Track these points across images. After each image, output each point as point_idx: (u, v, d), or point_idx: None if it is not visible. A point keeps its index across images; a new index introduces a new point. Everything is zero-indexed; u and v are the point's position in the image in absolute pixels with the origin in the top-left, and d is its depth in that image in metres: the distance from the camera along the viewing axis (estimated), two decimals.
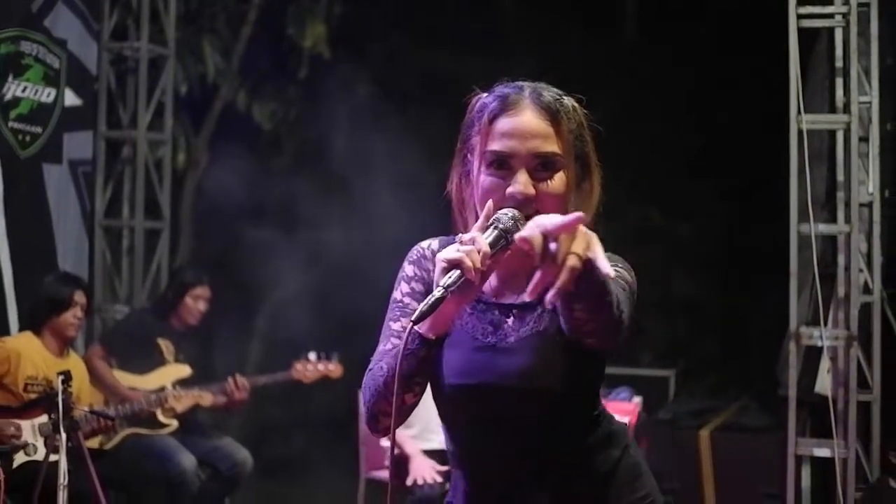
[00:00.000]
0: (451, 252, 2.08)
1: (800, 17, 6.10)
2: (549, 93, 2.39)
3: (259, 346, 9.47)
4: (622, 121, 8.55)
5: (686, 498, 6.96)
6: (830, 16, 6.16)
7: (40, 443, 5.34)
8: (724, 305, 9.76)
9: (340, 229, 8.44)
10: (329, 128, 8.96)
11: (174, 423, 6.31)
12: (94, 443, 5.80)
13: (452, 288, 2.05)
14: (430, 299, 2.07)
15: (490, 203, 2.24)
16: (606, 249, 2.45)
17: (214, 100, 8.98)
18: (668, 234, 9.82)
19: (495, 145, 2.33)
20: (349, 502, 6.70)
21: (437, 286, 2.06)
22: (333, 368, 6.57)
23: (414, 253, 2.52)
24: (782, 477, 6.19)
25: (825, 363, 6.28)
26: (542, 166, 2.32)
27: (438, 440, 6.09)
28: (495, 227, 2.18)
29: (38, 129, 6.69)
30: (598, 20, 9.87)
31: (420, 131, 7.70)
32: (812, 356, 6.42)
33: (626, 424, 2.60)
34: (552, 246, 1.92)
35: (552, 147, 2.33)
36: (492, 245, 2.11)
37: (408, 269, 2.50)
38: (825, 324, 6.09)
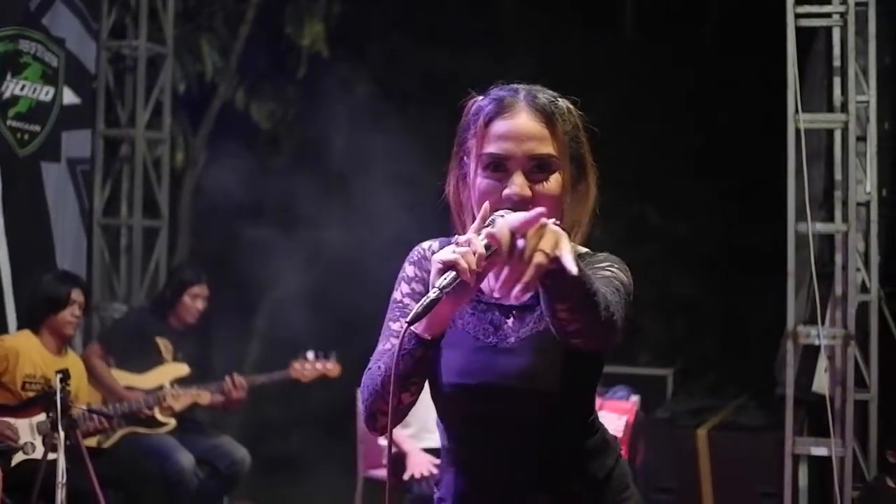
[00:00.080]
0: (447, 254, 2.09)
1: (798, 16, 6.10)
2: (545, 95, 2.40)
3: (257, 345, 9.47)
4: (621, 120, 8.57)
5: (684, 497, 6.97)
6: (828, 15, 6.16)
7: (38, 441, 5.34)
8: (723, 304, 9.77)
9: (339, 228, 8.45)
10: (328, 127, 8.97)
11: (172, 422, 6.31)
12: (92, 441, 5.80)
13: (447, 289, 2.06)
14: (424, 300, 2.08)
15: (486, 205, 2.25)
16: (605, 249, 2.47)
17: (213, 99, 8.98)
18: (666, 233, 9.83)
19: (491, 148, 2.34)
20: (347, 501, 6.71)
21: (433, 287, 2.07)
22: (331, 367, 6.57)
23: (415, 254, 2.53)
24: (780, 476, 6.19)
25: (822, 362, 6.29)
26: (537, 168, 2.34)
27: (435, 439, 6.06)
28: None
29: (37, 128, 6.69)
30: (597, 20, 9.88)
31: (419, 131, 7.70)
32: (810, 355, 6.43)
33: (616, 437, 2.62)
34: (519, 243, 1.94)
35: (547, 149, 2.34)
36: (487, 247, 2.13)
37: (408, 269, 2.51)
38: (822, 323, 6.10)
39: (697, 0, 9.45)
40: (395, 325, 2.44)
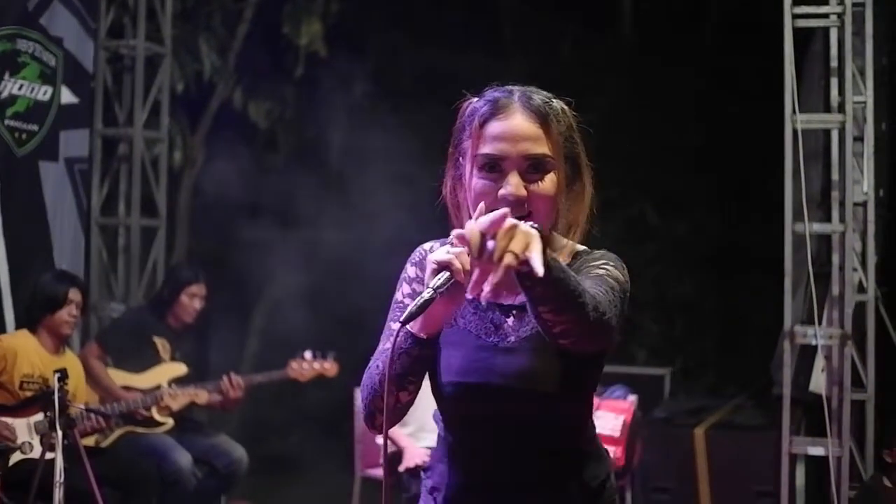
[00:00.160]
0: (442, 254, 2.11)
1: (795, 16, 6.11)
2: (539, 96, 2.42)
3: (255, 345, 9.48)
4: (619, 120, 8.59)
5: (681, 496, 6.97)
6: (825, 16, 6.17)
7: (36, 441, 5.35)
8: (720, 304, 9.78)
9: (336, 228, 8.45)
10: (325, 126, 8.98)
11: (170, 422, 6.31)
12: (90, 441, 5.81)
13: (441, 289, 2.07)
14: (418, 300, 2.09)
15: (482, 205, 2.26)
16: (603, 247, 2.48)
17: (211, 98, 8.99)
18: (664, 233, 9.84)
19: (486, 148, 2.36)
20: (344, 500, 6.72)
21: (427, 287, 2.08)
22: (329, 367, 6.58)
23: (416, 254, 2.55)
24: (777, 475, 6.20)
25: (820, 362, 6.30)
26: (532, 168, 2.35)
27: (433, 439, 6.10)
28: None
29: (35, 127, 6.69)
30: (595, 19, 9.89)
31: (417, 130, 7.70)
32: (807, 355, 6.44)
33: (608, 451, 2.64)
34: (489, 244, 1.95)
35: (542, 149, 2.36)
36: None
37: (410, 270, 2.53)
38: (820, 323, 6.11)
39: (696, 0, 9.46)
40: (395, 325, 2.45)
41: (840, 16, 6.09)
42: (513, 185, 2.32)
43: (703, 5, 9.51)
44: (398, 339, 2.31)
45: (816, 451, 6.14)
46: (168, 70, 7.86)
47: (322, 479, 7.77)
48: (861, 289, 6.36)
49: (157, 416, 6.25)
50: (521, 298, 2.36)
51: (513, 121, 2.36)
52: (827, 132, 6.38)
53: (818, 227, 6.20)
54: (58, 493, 4.71)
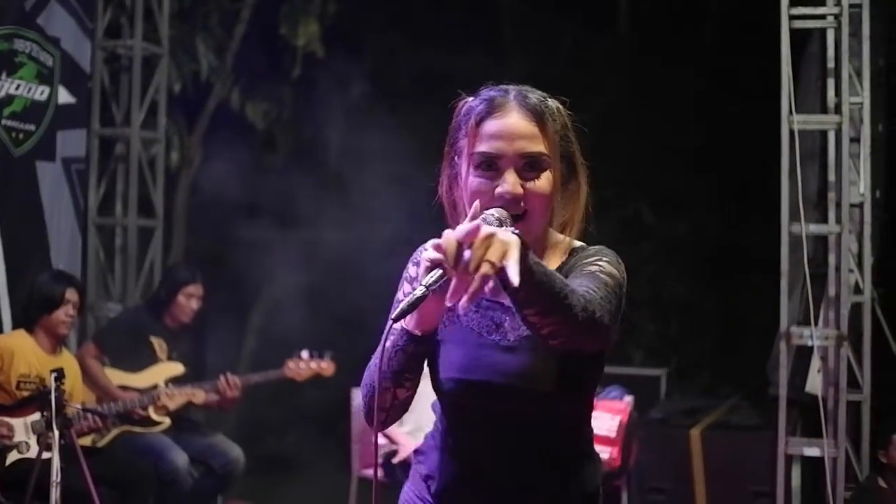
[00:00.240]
0: (434, 252, 2.11)
1: (792, 17, 6.12)
2: (535, 95, 2.43)
3: (252, 345, 9.48)
4: (616, 120, 8.59)
5: (677, 497, 6.98)
6: (822, 17, 6.18)
7: (33, 440, 5.34)
8: (717, 305, 9.79)
9: (333, 228, 8.46)
10: (323, 126, 8.98)
11: (167, 421, 6.31)
12: (86, 440, 5.81)
13: (434, 287, 2.07)
14: (410, 297, 2.08)
15: (477, 203, 2.26)
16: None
17: (208, 98, 8.99)
18: (661, 233, 9.85)
19: (483, 147, 2.37)
20: (341, 500, 6.72)
21: (420, 285, 2.09)
22: (326, 366, 6.58)
23: (417, 254, 2.56)
24: (772, 476, 6.21)
25: (816, 363, 6.31)
26: (528, 166, 2.36)
27: None
28: None
29: (32, 127, 6.69)
30: (593, 19, 9.89)
31: (414, 130, 7.70)
32: (803, 356, 6.45)
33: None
34: (466, 254, 1.95)
35: (538, 147, 2.37)
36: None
37: (411, 269, 2.54)
38: (816, 323, 6.12)
39: (691, 0, 9.46)
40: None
41: (837, 17, 6.10)
42: (509, 182, 2.33)
43: (702, 5, 9.52)
44: (394, 336, 2.33)
45: (812, 451, 6.15)
46: (165, 70, 7.86)
47: (319, 478, 7.77)
48: (857, 290, 6.38)
49: (153, 416, 6.25)
50: None
51: (509, 119, 2.37)
52: (823, 133, 6.39)
53: (815, 228, 6.21)
54: (54, 493, 4.71)
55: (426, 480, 2.56)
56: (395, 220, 7.13)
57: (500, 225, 2.25)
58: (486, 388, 2.41)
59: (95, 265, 7.69)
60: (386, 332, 2.22)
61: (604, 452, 6.03)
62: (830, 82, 6.29)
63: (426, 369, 2.48)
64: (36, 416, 5.28)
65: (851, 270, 6.27)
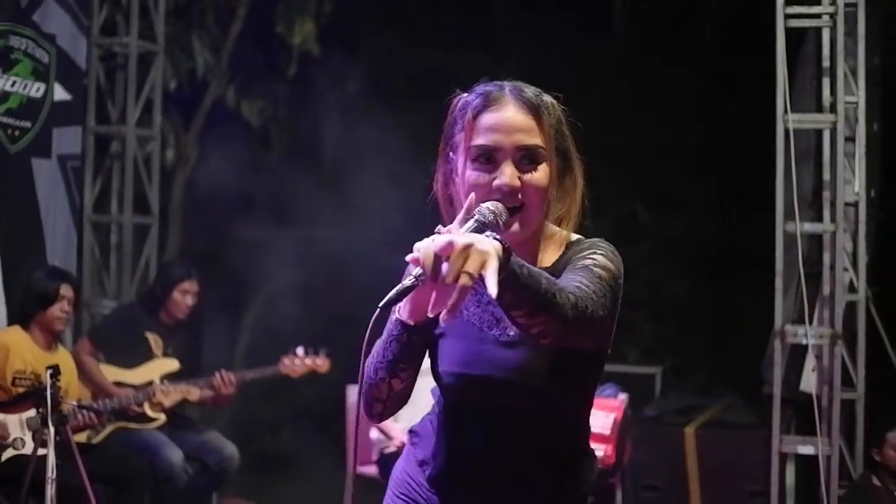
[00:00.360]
0: (426, 242, 2.12)
1: (787, 16, 6.13)
2: (530, 89, 2.44)
3: (247, 341, 9.48)
4: (613, 120, 8.59)
5: (671, 495, 6.98)
6: (818, 16, 6.19)
7: (28, 437, 5.35)
8: (712, 303, 9.80)
9: (329, 225, 8.46)
10: (318, 124, 8.98)
11: (162, 418, 6.31)
12: (82, 437, 5.81)
13: (423, 277, 2.07)
14: (399, 287, 2.09)
15: (472, 196, 2.28)
16: None
17: (204, 96, 8.99)
18: (656, 232, 9.85)
19: (480, 140, 2.37)
20: (336, 497, 6.72)
21: (409, 275, 2.09)
22: (321, 363, 6.58)
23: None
24: (767, 474, 6.22)
25: (810, 361, 6.32)
26: (526, 159, 2.37)
27: None
28: (475, 220, 2.22)
29: (28, 124, 6.69)
30: (589, 19, 9.90)
31: (410, 128, 7.71)
32: (797, 354, 6.46)
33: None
34: (443, 267, 1.95)
35: (535, 140, 2.38)
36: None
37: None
38: (810, 322, 6.12)
39: (690, 0, 9.47)
40: (395, 317, 2.47)
41: (832, 16, 6.11)
42: (507, 175, 2.34)
43: (699, 5, 9.52)
44: (390, 326, 2.35)
45: (806, 449, 6.16)
46: (161, 68, 7.86)
47: (314, 475, 7.78)
48: (852, 288, 6.39)
49: (149, 413, 6.25)
50: None
51: (506, 112, 2.38)
52: (819, 132, 6.40)
53: (809, 227, 6.22)
54: (50, 490, 4.71)
55: (421, 465, 2.57)
56: (391, 218, 7.12)
57: (495, 217, 2.26)
58: (485, 383, 2.42)
59: (91, 262, 7.69)
60: (371, 319, 2.19)
61: (598, 450, 5.99)
62: (826, 81, 6.30)
63: (425, 366, 2.49)
64: (31, 412, 5.28)
65: (846, 269, 6.29)
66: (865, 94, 6.34)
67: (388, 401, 2.45)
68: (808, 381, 6.32)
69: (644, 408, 7.53)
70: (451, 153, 2.47)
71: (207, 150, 8.94)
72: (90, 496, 5.03)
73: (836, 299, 6.15)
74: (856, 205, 6.38)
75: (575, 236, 2.49)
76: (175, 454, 6.18)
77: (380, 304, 2.13)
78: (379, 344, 2.43)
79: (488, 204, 2.29)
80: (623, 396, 6.57)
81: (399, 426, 6.10)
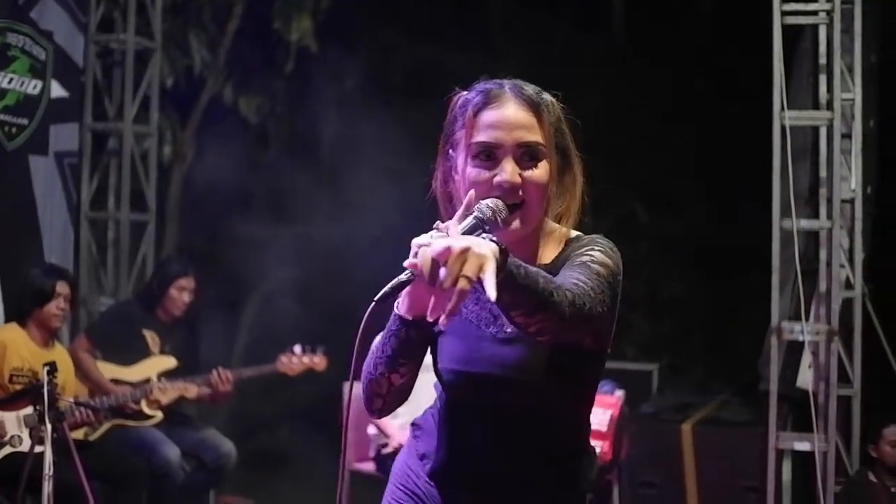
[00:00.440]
0: (424, 238, 2.12)
1: (784, 13, 6.14)
2: (530, 87, 2.45)
3: (244, 339, 9.48)
4: (610, 119, 8.59)
5: (667, 491, 6.99)
6: (814, 13, 6.20)
7: (26, 434, 5.35)
8: (709, 300, 9.80)
9: (326, 223, 8.46)
10: (316, 121, 8.97)
11: (159, 415, 6.31)
12: (79, 434, 5.81)
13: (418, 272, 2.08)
14: (394, 281, 2.11)
15: (471, 193, 2.29)
16: None
17: (201, 93, 8.98)
18: (654, 230, 9.86)
19: (481, 136, 2.38)
20: (333, 494, 6.71)
21: (407, 269, 2.10)
22: (318, 361, 6.59)
23: None
24: (763, 470, 6.23)
25: (806, 358, 6.33)
26: (526, 156, 2.38)
27: None
28: (473, 217, 2.24)
29: (25, 121, 6.69)
30: (587, 17, 9.90)
31: (407, 125, 7.71)
32: (794, 351, 6.47)
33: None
34: (441, 272, 1.96)
35: (536, 137, 2.39)
36: (465, 233, 2.16)
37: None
38: (807, 319, 6.14)
39: None
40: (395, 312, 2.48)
41: (829, 13, 6.12)
42: (508, 171, 2.35)
43: (698, 3, 9.52)
44: (389, 321, 2.36)
45: (803, 446, 6.17)
46: (158, 65, 7.85)
47: (311, 472, 7.78)
48: (848, 285, 6.40)
49: (146, 410, 6.26)
50: None
51: (507, 109, 2.39)
52: (815, 129, 6.41)
53: (806, 224, 6.23)
54: (47, 487, 4.71)
55: (421, 458, 2.58)
56: (389, 215, 7.13)
57: (494, 214, 2.27)
58: (483, 381, 2.43)
59: (88, 259, 7.69)
60: (367, 312, 2.19)
61: (595, 446, 6.03)
62: (822, 78, 6.31)
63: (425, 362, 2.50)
64: (28, 409, 5.28)
65: (842, 266, 6.29)
66: (862, 91, 6.35)
67: (387, 396, 2.46)
68: (805, 378, 6.32)
69: (641, 405, 7.54)
70: (450, 150, 2.48)
71: (205, 146, 8.94)
72: (87, 493, 5.03)
73: (833, 296, 6.16)
74: (852, 202, 6.39)
75: (574, 233, 2.50)
76: (172, 451, 6.18)
77: (375, 298, 2.14)
78: (379, 339, 2.44)
79: (487, 201, 2.30)
80: (620, 393, 6.58)
81: (397, 423, 6.11)
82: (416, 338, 2.38)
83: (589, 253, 2.36)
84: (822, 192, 6.24)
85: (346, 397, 2.30)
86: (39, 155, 6.82)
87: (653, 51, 9.37)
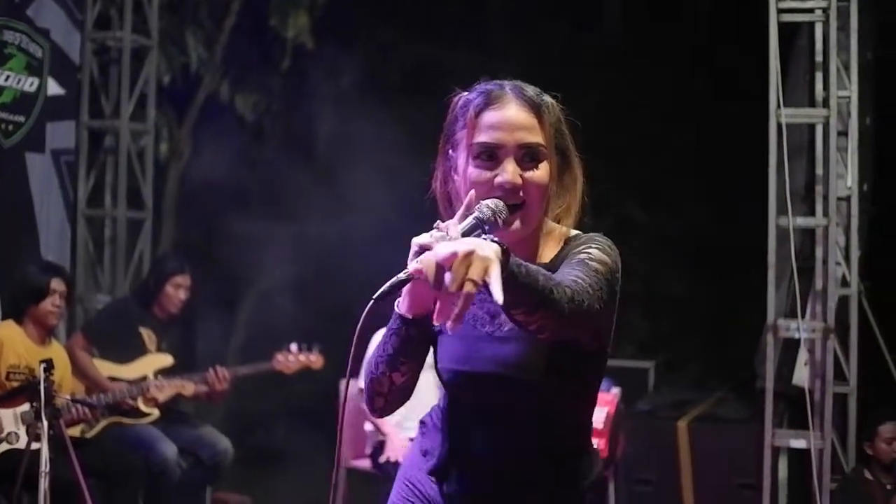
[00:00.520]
0: (424, 237, 2.13)
1: (780, 11, 6.15)
2: (530, 88, 2.46)
3: (241, 337, 9.47)
4: (609, 118, 8.60)
5: (663, 488, 7.00)
6: (810, 10, 6.21)
7: (22, 431, 5.34)
8: (705, 298, 9.81)
9: (323, 220, 8.45)
10: (312, 119, 8.97)
11: (156, 412, 6.31)
12: (75, 431, 5.82)
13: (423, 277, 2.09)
14: (393, 280, 2.12)
15: (472, 193, 2.30)
16: None
17: (197, 90, 8.98)
18: (651, 228, 9.86)
19: (483, 137, 2.39)
20: (329, 491, 6.72)
21: (407, 269, 2.11)
22: (315, 359, 6.58)
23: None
24: (759, 468, 6.24)
25: (803, 355, 6.34)
26: (528, 157, 2.39)
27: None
28: (474, 217, 2.24)
29: (21, 119, 6.69)
30: (584, 16, 9.90)
31: (404, 122, 7.71)
32: (790, 348, 6.48)
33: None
34: (446, 277, 1.96)
35: (537, 138, 2.40)
36: (465, 233, 2.16)
37: None
38: (803, 316, 6.14)
39: None
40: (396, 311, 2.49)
41: (825, 10, 6.13)
42: (509, 172, 2.36)
43: (690, 2, 9.52)
44: (391, 320, 2.37)
45: (799, 443, 6.18)
46: (154, 62, 7.85)
47: (307, 470, 7.77)
48: (844, 283, 6.41)
49: (143, 407, 6.25)
50: None
51: (508, 110, 2.40)
52: (811, 126, 6.42)
53: (802, 221, 6.24)
54: (43, 484, 4.71)
55: (424, 455, 2.60)
56: (386, 213, 7.13)
57: (494, 214, 2.28)
58: (482, 380, 2.44)
59: (85, 257, 7.68)
60: (366, 310, 2.19)
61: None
62: (819, 76, 6.32)
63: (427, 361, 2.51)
64: (25, 406, 5.28)
65: (839, 263, 6.30)
66: (858, 89, 6.36)
67: (389, 395, 2.48)
68: (801, 375, 6.34)
69: (637, 402, 7.55)
70: (450, 150, 2.49)
71: (201, 144, 8.93)
72: (84, 490, 5.03)
73: (829, 293, 6.17)
74: (848, 199, 6.40)
75: (573, 232, 2.51)
76: (169, 449, 6.18)
77: (373, 297, 2.15)
78: (381, 338, 2.45)
79: (488, 201, 2.31)
80: (616, 390, 6.58)
81: (393, 420, 6.11)
82: (417, 336, 2.40)
83: (587, 251, 2.37)
84: (819, 189, 6.25)
85: (342, 395, 2.31)
86: (36, 152, 6.82)
87: (652, 51, 9.37)
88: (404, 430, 6.09)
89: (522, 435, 2.44)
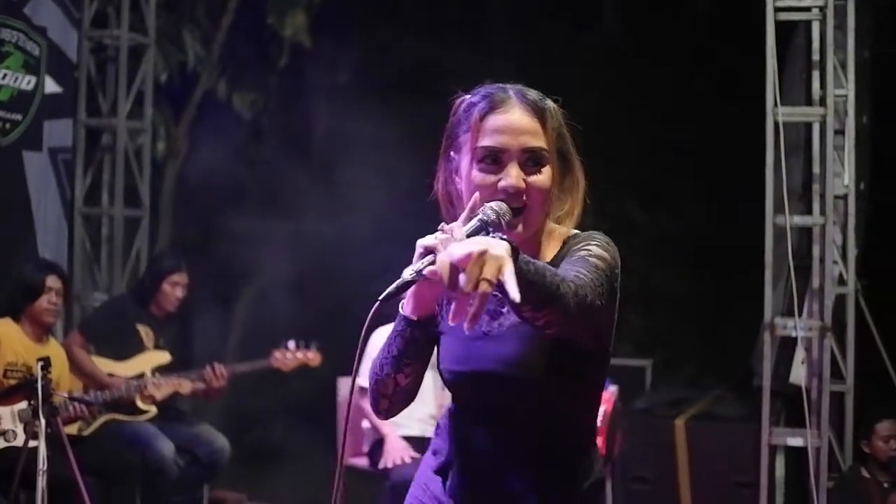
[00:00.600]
0: (429, 239, 2.15)
1: (777, 10, 6.15)
2: (533, 92, 2.47)
3: (238, 334, 9.47)
4: (609, 118, 8.60)
5: (661, 487, 7.00)
6: (807, 9, 6.21)
7: (20, 429, 5.35)
8: (703, 297, 9.81)
9: (320, 218, 8.46)
10: (310, 116, 8.97)
11: (153, 410, 6.31)
12: (73, 429, 5.81)
13: (423, 272, 2.10)
14: (399, 281, 2.13)
15: (476, 196, 2.32)
16: None
17: (195, 88, 8.97)
18: (649, 226, 9.86)
19: (487, 141, 2.40)
20: (327, 489, 6.72)
21: (411, 270, 2.12)
22: (312, 357, 6.58)
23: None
24: (756, 466, 6.25)
25: (800, 354, 6.34)
26: (531, 161, 2.41)
27: (417, 427, 6.13)
28: (478, 220, 2.26)
29: (18, 117, 6.69)
30: (584, 16, 9.90)
31: (401, 121, 7.72)
32: (787, 347, 6.48)
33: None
34: (461, 278, 1.97)
35: (540, 142, 2.42)
36: (470, 235, 2.18)
37: None
38: (800, 315, 6.15)
39: None
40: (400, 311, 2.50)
41: (822, 9, 6.13)
42: (513, 176, 2.37)
43: (693, 2, 9.52)
44: (395, 321, 2.38)
45: (796, 441, 6.19)
46: (152, 60, 7.85)
47: (305, 468, 7.78)
48: (841, 281, 6.41)
49: (140, 405, 6.25)
50: None
51: (512, 115, 2.41)
52: (808, 125, 6.42)
53: (799, 220, 6.25)
54: (41, 481, 4.72)
55: (434, 454, 2.62)
56: (383, 211, 7.14)
57: (498, 217, 2.29)
58: (483, 379, 2.45)
59: (82, 255, 7.68)
60: (372, 312, 2.21)
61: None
62: (815, 75, 6.32)
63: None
64: (23, 404, 5.28)
65: (835, 262, 6.31)
66: (855, 88, 6.36)
67: (393, 396, 2.49)
68: (798, 374, 6.34)
69: (634, 400, 7.54)
70: (453, 153, 2.50)
71: (198, 142, 8.93)
72: (81, 488, 5.04)
73: (826, 292, 6.17)
74: (845, 198, 6.41)
75: (573, 231, 2.53)
76: (166, 446, 6.18)
77: (379, 298, 2.16)
78: (385, 339, 2.46)
79: (492, 204, 2.32)
80: (613, 388, 6.58)
81: (389, 420, 6.10)
82: (422, 338, 2.42)
83: (587, 248, 2.38)
84: (816, 188, 6.25)
85: (344, 403, 2.31)
86: (33, 151, 6.83)
87: (652, 51, 9.37)
88: (404, 427, 6.09)
89: (523, 434, 2.45)
